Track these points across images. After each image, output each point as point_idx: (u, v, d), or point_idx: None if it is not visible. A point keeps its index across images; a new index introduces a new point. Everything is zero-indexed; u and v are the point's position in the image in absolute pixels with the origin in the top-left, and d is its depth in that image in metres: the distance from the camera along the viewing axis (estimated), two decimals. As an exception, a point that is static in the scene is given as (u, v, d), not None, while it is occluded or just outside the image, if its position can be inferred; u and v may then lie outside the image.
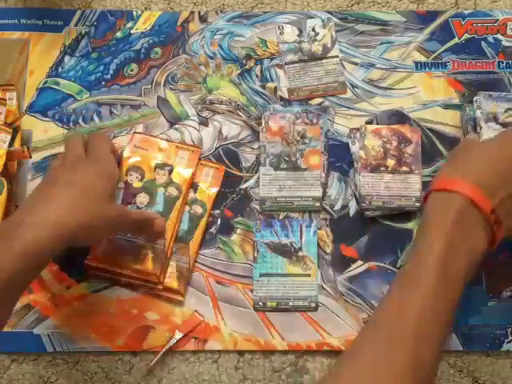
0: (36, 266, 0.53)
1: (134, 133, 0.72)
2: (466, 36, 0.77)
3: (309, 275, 0.68)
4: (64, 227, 0.53)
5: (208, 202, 0.70)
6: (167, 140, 0.72)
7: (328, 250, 0.69)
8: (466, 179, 0.55)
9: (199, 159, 0.71)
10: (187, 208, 0.69)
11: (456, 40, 0.77)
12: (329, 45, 0.76)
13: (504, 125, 0.70)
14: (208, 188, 0.71)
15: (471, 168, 0.57)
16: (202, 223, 0.69)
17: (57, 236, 0.52)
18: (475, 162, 0.57)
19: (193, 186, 0.70)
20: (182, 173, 0.70)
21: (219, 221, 0.70)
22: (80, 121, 0.73)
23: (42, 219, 0.52)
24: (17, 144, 0.70)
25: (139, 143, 0.71)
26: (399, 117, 0.74)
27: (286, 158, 0.71)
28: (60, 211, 0.53)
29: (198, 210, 0.69)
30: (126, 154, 0.70)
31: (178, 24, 0.77)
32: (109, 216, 0.58)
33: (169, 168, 0.70)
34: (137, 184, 0.69)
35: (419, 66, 0.76)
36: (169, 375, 0.66)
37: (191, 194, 0.70)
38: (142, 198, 0.68)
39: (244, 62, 0.76)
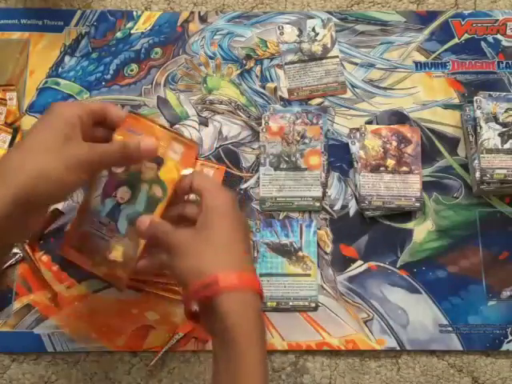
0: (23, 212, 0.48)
1: (130, 112, 0.59)
2: (466, 36, 0.77)
3: (309, 275, 0.68)
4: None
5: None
6: (164, 127, 0.61)
7: (328, 250, 0.69)
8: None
9: (197, 158, 0.71)
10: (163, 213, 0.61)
11: (456, 40, 0.77)
12: (329, 45, 0.76)
13: (504, 125, 0.70)
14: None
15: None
16: None
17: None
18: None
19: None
20: (170, 171, 0.59)
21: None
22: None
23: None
24: (17, 144, 0.70)
25: (133, 127, 0.58)
26: (399, 117, 0.74)
27: (286, 158, 0.71)
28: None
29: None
30: (117, 136, 0.58)
31: (178, 24, 0.77)
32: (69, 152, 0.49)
33: (158, 162, 0.59)
34: (121, 175, 0.59)
35: (419, 66, 0.76)
36: (169, 375, 0.66)
37: (191, 195, 0.70)
38: (123, 193, 0.59)
39: (244, 62, 0.76)
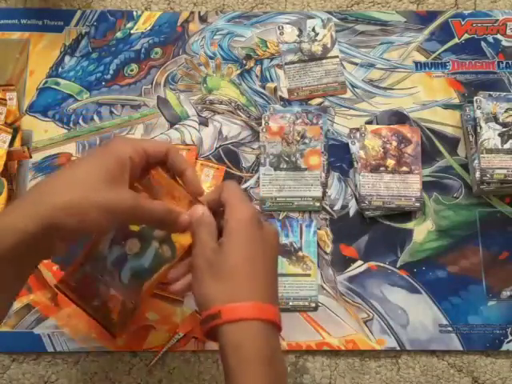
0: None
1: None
2: (466, 36, 0.77)
3: (309, 275, 0.68)
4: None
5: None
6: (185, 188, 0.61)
7: (328, 250, 0.69)
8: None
9: (197, 158, 0.71)
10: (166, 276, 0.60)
11: (456, 40, 0.77)
12: (329, 45, 0.76)
13: (504, 125, 0.70)
14: (208, 188, 0.70)
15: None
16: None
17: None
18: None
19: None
20: (185, 235, 0.56)
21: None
22: (80, 121, 0.74)
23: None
24: (17, 144, 0.70)
25: (155, 178, 0.58)
26: (399, 117, 0.74)
27: (286, 158, 0.71)
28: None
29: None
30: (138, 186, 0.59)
31: (178, 24, 0.77)
32: (109, 201, 0.46)
33: None
34: (134, 227, 0.58)
35: (419, 66, 0.76)
36: (169, 375, 0.66)
37: None
38: (133, 245, 0.58)
39: (244, 62, 0.76)
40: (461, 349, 0.66)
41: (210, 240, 0.51)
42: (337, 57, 0.76)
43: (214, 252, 0.50)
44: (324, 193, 0.71)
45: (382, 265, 0.69)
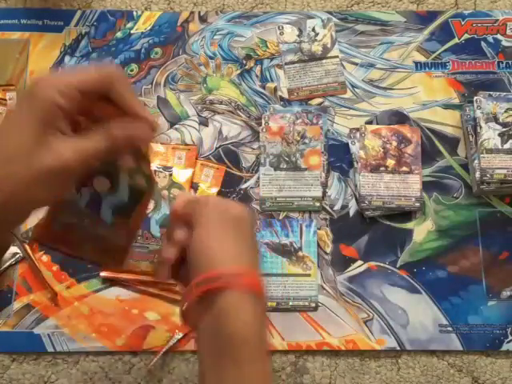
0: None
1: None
2: (466, 36, 0.77)
3: (309, 275, 0.68)
4: None
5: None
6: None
7: (328, 250, 0.69)
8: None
9: (197, 158, 0.71)
10: None
11: (456, 40, 0.77)
12: (329, 45, 0.76)
13: (504, 125, 0.70)
14: (208, 188, 0.71)
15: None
16: None
17: None
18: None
19: (193, 186, 0.70)
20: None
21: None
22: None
23: None
24: (17, 144, 0.70)
25: None
26: (399, 117, 0.74)
27: (286, 158, 0.71)
28: None
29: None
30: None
31: (178, 24, 0.77)
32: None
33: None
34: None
35: (419, 66, 0.76)
36: (169, 375, 0.66)
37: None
38: (101, 182, 0.54)
39: (244, 62, 0.76)
40: (461, 349, 0.66)
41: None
42: (337, 57, 0.76)
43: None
44: (324, 193, 0.71)
45: (381, 265, 0.69)
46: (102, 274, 0.67)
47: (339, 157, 0.72)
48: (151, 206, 0.68)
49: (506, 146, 0.69)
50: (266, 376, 0.44)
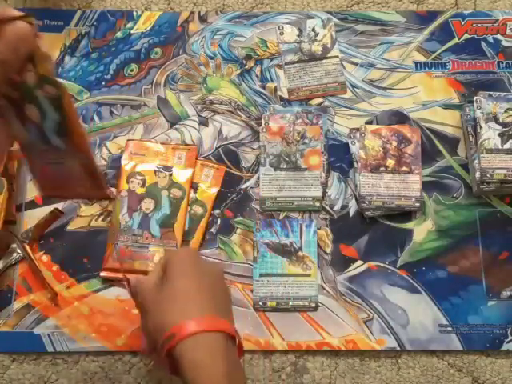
0: None
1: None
2: (466, 36, 0.77)
3: (309, 275, 0.68)
4: None
5: (208, 202, 0.70)
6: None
7: (328, 250, 0.69)
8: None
9: (197, 158, 0.71)
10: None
11: (456, 40, 0.77)
12: (329, 45, 0.76)
13: (504, 125, 0.70)
14: (208, 188, 0.71)
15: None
16: (203, 223, 0.69)
17: None
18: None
19: (193, 186, 0.71)
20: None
21: (219, 221, 0.70)
22: (80, 121, 0.73)
23: None
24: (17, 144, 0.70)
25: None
26: (399, 117, 0.74)
27: (286, 158, 0.71)
28: None
29: (199, 210, 0.70)
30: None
31: (178, 24, 0.77)
32: None
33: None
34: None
35: (419, 66, 0.76)
36: (169, 375, 0.66)
37: (191, 194, 0.70)
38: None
39: (244, 62, 0.76)
40: (461, 349, 0.66)
41: (150, 280, 0.53)
42: (337, 57, 0.76)
43: (157, 285, 0.52)
44: (324, 193, 0.71)
45: (381, 265, 0.69)
46: (102, 274, 0.67)
47: (339, 157, 0.72)
48: (151, 205, 0.68)
49: (506, 146, 0.69)
50: None
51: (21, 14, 0.43)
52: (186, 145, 0.72)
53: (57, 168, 0.52)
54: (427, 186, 0.71)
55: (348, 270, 0.68)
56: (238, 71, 0.76)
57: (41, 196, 0.57)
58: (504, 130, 0.70)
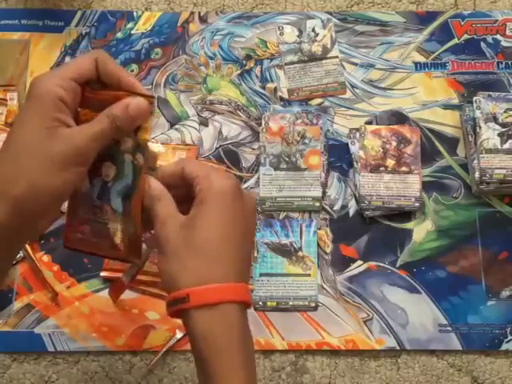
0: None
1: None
2: (466, 36, 0.77)
3: (309, 275, 0.68)
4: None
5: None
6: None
7: (328, 250, 0.69)
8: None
9: (197, 158, 0.72)
10: None
11: (455, 40, 0.77)
12: (328, 45, 0.76)
13: (503, 125, 0.70)
14: None
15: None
16: None
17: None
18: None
19: (193, 186, 0.70)
20: (147, 131, 0.60)
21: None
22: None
23: None
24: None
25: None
26: (399, 117, 0.74)
27: (286, 158, 0.71)
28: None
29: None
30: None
31: (179, 25, 0.77)
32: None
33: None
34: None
35: (419, 66, 0.76)
36: (169, 375, 0.66)
37: None
38: (108, 168, 0.51)
39: (244, 62, 0.76)
40: (460, 348, 0.66)
41: (174, 213, 0.45)
42: (337, 57, 0.76)
43: (182, 226, 0.44)
44: (324, 193, 0.71)
45: (381, 265, 0.69)
46: (102, 274, 0.67)
47: (339, 157, 0.73)
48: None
49: (506, 146, 0.69)
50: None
51: (147, 93, 0.48)
52: (186, 145, 0.73)
53: (96, 227, 0.52)
54: (427, 186, 0.71)
55: (348, 269, 0.69)
56: (238, 71, 0.76)
57: (63, 245, 0.54)
58: (503, 130, 0.70)
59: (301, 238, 0.69)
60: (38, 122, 0.42)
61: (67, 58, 0.76)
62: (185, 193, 0.47)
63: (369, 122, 0.74)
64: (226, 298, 0.43)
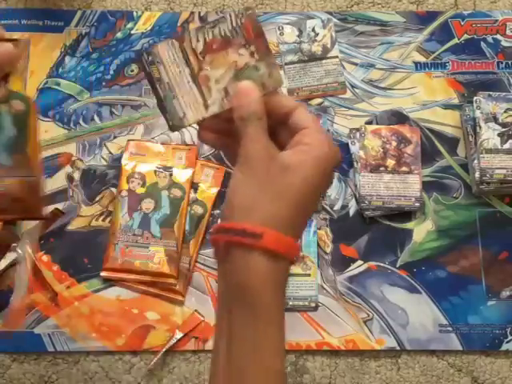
0: None
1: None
2: (466, 36, 0.77)
3: (309, 275, 0.68)
4: None
5: (208, 202, 0.70)
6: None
7: (328, 250, 0.69)
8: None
9: (197, 158, 0.72)
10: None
11: (455, 40, 0.77)
12: (328, 45, 0.76)
13: (503, 125, 0.70)
14: (208, 188, 0.71)
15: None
16: (203, 223, 0.69)
17: None
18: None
19: (193, 186, 0.71)
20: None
21: (219, 221, 0.70)
22: (80, 121, 0.74)
23: None
24: (17, 144, 0.70)
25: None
26: (399, 117, 0.74)
27: (286, 158, 0.71)
28: None
29: (199, 210, 0.70)
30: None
31: (179, 24, 0.77)
32: None
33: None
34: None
35: (419, 66, 0.76)
36: (169, 375, 0.66)
37: (192, 194, 0.70)
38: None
39: (244, 62, 0.76)
40: (460, 348, 0.66)
41: (268, 139, 0.42)
42: (337, 57, 0.76)
43: (272, 158, 0.41)
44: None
45: (381, 265, 0.69)
46: (102, 274, 0.67)
47: (339, 157, 0.73)
48: (151, 205, 0.68)
49: (506, 146, 0.69)
50: (281, 344, 0.42)
51: (12, 37, 0.44)
52: (187, 145, 0.72)
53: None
54: (427, 186, 0.71)
55: (348, 269, 0.69)
56: (238, 71, 0.76)
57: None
58: (503, 130, 0.70)
59: (301, 237, 0.69)
60: None
61: (67, 58, 0.76)
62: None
63: (369, 122, 0.74)
64: (291, 255, 0.41)
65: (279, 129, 0.44)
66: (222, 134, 0.45)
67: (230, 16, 0.41)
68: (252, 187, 0.41)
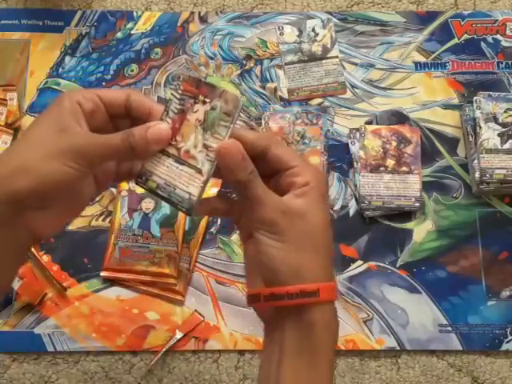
0: None
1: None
2: (466, 36, 0.77)
3: (309, 275, 0.68)
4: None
5: (208, 202, 0.70)
6: None
7: (328, 250, 0.69)
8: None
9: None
10: None
11: (455, 40, 0.77)
12: (328, 45, 0.76)
13: (503, 125, 0.70)
14: (208, 188, 0.70)
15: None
16: (203, 223, 0.69)
17: None
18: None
19: (193, 186, 0.71)
20: None
21: (219, 221, 0.70)
22: None
23: None
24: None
25: None
26: (399, 117, 0.74)
27: (286, 158, 0.71)
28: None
29: (198, 210, 0.70)
30: None
31: (179, 24, 0.77)
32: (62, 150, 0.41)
33: None
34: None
35: (419, 66, 0.76)
36: (169, 375, 0.66)
37: None
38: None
39: (244, 62, 0.76)
40: (460, 348, 0.66)
41: (269, 191, 0.43)
42: (337, 57, 0.76)
43: (289, 213, 0.43)
44: (324, 193, 0.71)
45: (381, 265, 0.69)
46: (102, 274, 0.67)
47: (339, 157, 0.73)
48: (151, 205, 0.68)
49: (506, 146, 0.69)
50: (332, 374, 0.45)
51: None
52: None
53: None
54: (427, 186, 0.71)
55: (348, 269, 0.69)
56: (238, 71, 0.76)
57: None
58: (503, 130, 0.70)
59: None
60: (54, 119, 0.43)
61: (67, 58, 0.76)
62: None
63: (369, 122, 0.74)
64: (337, 295, 0.44)
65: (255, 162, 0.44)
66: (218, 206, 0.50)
67: (172, 94, 0.44)
68: (288, 248, 0.42)
